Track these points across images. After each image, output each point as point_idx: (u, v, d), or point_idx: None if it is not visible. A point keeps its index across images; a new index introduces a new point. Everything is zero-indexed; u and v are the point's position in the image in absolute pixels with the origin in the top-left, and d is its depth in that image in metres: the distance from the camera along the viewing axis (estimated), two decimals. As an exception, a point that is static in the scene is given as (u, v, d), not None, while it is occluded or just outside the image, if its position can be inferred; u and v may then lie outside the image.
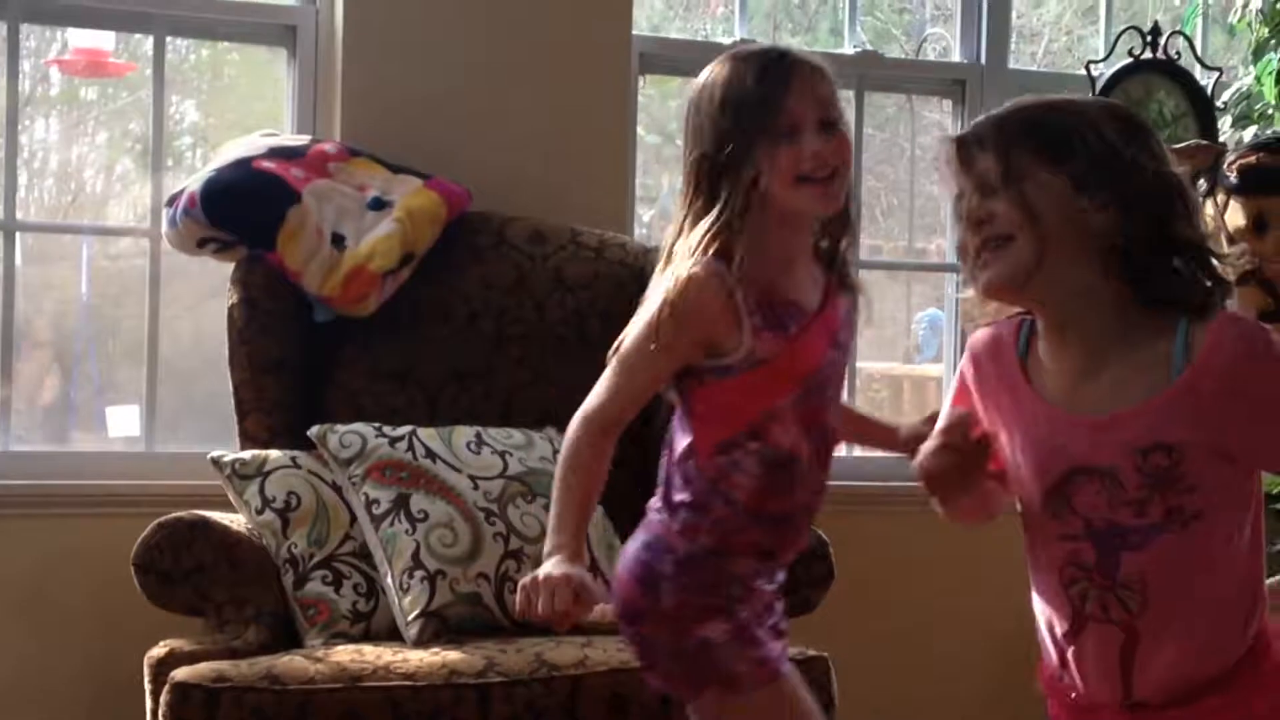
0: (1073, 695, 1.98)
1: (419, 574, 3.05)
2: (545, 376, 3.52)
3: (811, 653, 2.98)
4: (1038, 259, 1.86)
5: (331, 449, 3.17)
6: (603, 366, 2.70)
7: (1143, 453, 1.84)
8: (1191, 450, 1.84)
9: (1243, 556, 1.90)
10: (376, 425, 3.24)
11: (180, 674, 2.74)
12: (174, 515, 3.04)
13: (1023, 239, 1.87)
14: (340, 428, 3.21)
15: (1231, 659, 1.88)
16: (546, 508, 2.95)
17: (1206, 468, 1.85)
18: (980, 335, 2.07)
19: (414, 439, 3.22)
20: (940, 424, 2.05)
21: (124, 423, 3.78)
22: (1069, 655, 1.94)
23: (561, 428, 3.21)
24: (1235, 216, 3.57)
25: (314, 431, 3.21)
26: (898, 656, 3.98)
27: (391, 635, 3.06)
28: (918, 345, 4.65)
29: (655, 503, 2.24)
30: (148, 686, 2.97)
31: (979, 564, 4.12)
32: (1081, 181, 1.85)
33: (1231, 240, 3.59)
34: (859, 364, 4.27)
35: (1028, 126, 1.93)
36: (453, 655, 2.89)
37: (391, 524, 3.08)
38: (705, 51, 4.16)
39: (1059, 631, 1.95)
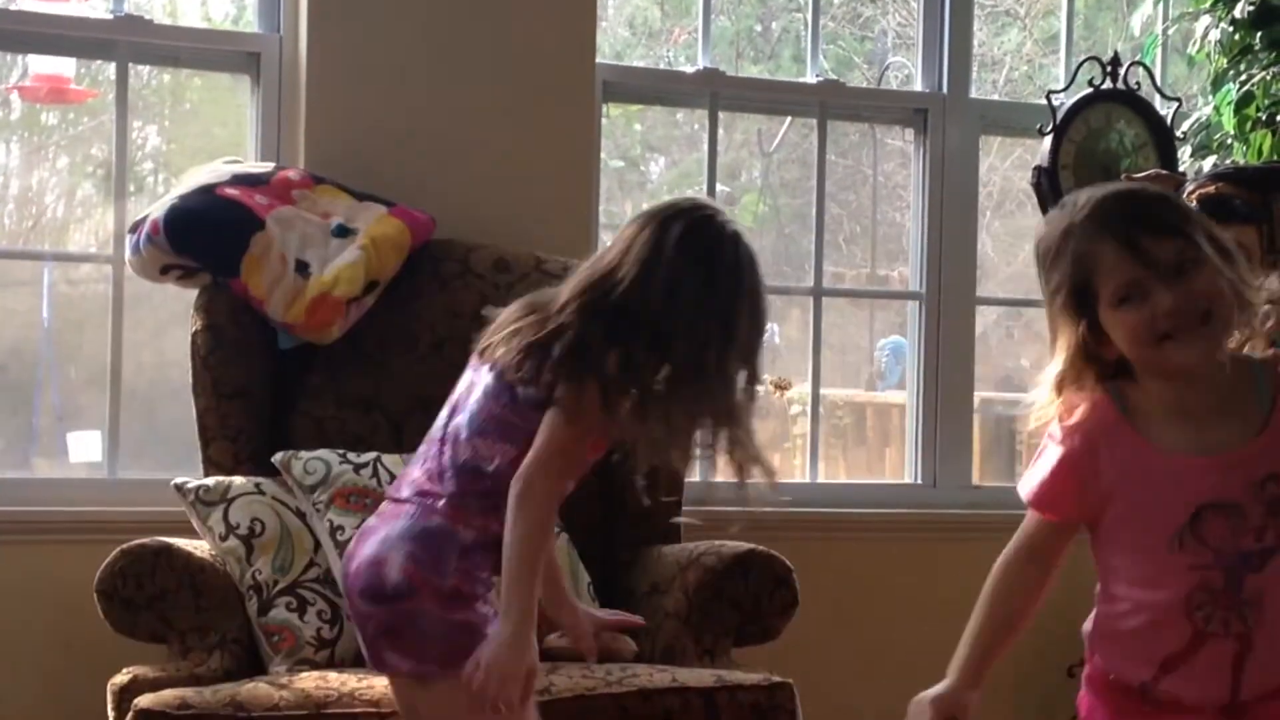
0: (1161, 701, 2.08)
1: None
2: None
3: (776, 679, 2.98)
4: (1227, 333, 2.02)
5: (296, 475, 3.17)
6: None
7: (1260, 484, 2.00)
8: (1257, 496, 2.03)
9: None
10: (340, 452, 3.23)
11: (144, 701, 2.73)
12: (137, 542, 3.01)
13: (1218, 316, 1.98)
14: (304, 454, 3.20)
15: None
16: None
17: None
18: (1082, 414, 2.12)
19: (378, 465, 3.22)
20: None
21: (86, 449, 3.76)
22: (1180, 670, 2.04)
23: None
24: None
25: (278, 458, 3.21)
26: (863, 681, 3.94)
27: (356, 662, 2.97)
28: (881, 372, 4.65)
29: (433, 487, 2.46)
30: (111, 714, 2.94)
31: (941, 589, 4.16)
32: (1224, 253, 2.01)
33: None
34: (822, 390, 4.25)
35: (1187, 210, 2.12)
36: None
37: None
38: (668, 79, 4.23)
39: (1170, 650, 2.04)
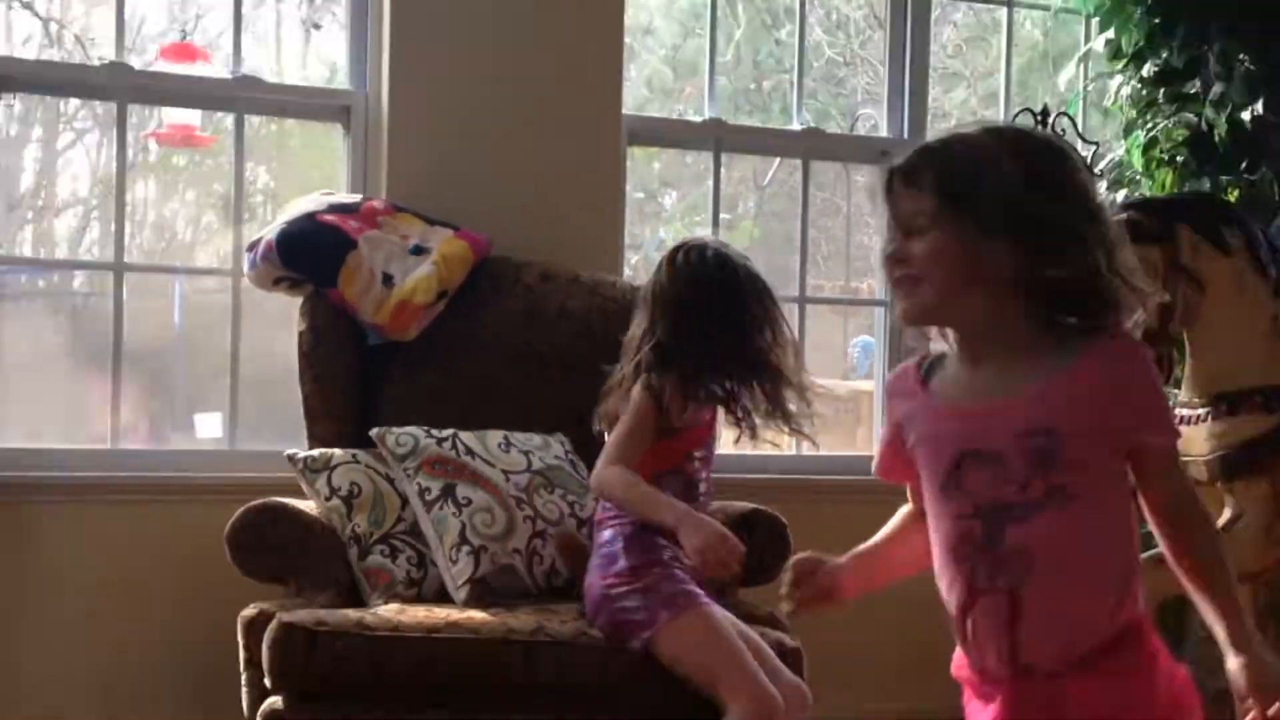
0: (977, 670, 1.86)
1: (465, 549, 3.11)
2: (553, 389, 3.56)
3: (790, 642, 3.08)
4: (939, 299, 1.80)
5: (389, 446, 3.22)
6: (597, 381, 3.14)
7: (1025, 435, 1.77)
8: (1070, 437, 1.77)
9: (1118, 538, 1.82)
10: (425, 428, 3.27)
11: (286, 615, 2.81)
12: (259, 502, 3.10)
13: (928, 282, 1.79)
14: (396, 429, 3.25)
15: (1108, 635, 1.79)
16: (563, 497, 3.25)
17: (1083, 453, 1.77)
18: (892, 376, 2.03)
19: (456, 439, 3.27)
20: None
21: (210, 427, 3.75)
22: (967, 629, 1.83)
23: (568, 431, 3.45)
24: None
25: (375, 433, 3.25)
26: (848, 622, 4.04)
27: (439, 598, 3.10)
28: (853, 366, 4.68)
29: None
30: (240, 640, 3.01)
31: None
32: (985, 225, 1.75)
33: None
34: None
35: (941, 171, 1.80)
36: (509, 618, 2.94)
37: (441, 508, 3.14)
38: (679, 127, 4.26)
39: (956, 607, 1.84)
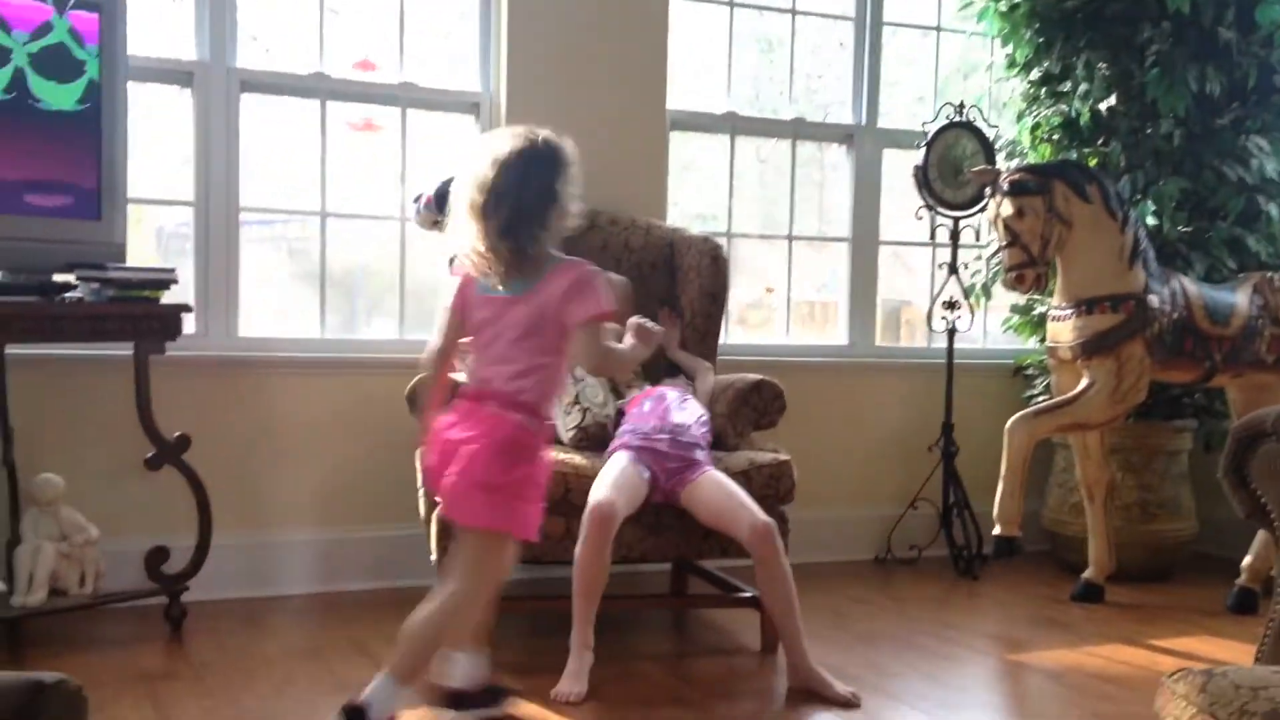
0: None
1: (576, 407, 3.13)
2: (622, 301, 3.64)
3: (782, 456, 3.09)
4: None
5: None
6: (651, 295, 3.13)
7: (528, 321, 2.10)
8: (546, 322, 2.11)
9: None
10: None
11: None
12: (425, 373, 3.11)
13: None
14: None
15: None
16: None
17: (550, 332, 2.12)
18: (461, 275, 2.22)
19: None
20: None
21: (387, 324, 3.76)
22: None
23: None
24: (1005, 208, 3.50)
25: None
26: (817, 450, 3.99)
27: (552, 440, 3.10)
28: (824, 284, 4.61)
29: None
30: (418, 464, 2.95)
31: (857, 405, 4.42)
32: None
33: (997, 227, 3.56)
34: (791, 294, 4.30)
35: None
36: (600, 462, 2.90)
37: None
38: (706, 118, 4.14)
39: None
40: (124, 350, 3.07)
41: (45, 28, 2.86)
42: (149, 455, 3.10)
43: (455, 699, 2.42)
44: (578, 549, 2.72)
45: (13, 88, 2.81)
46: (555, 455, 2.89)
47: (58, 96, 2.88)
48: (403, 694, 2.17)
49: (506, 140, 2.17)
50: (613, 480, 2.79)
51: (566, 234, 2.25)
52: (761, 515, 2.81)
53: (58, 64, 2.88)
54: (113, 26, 2.96)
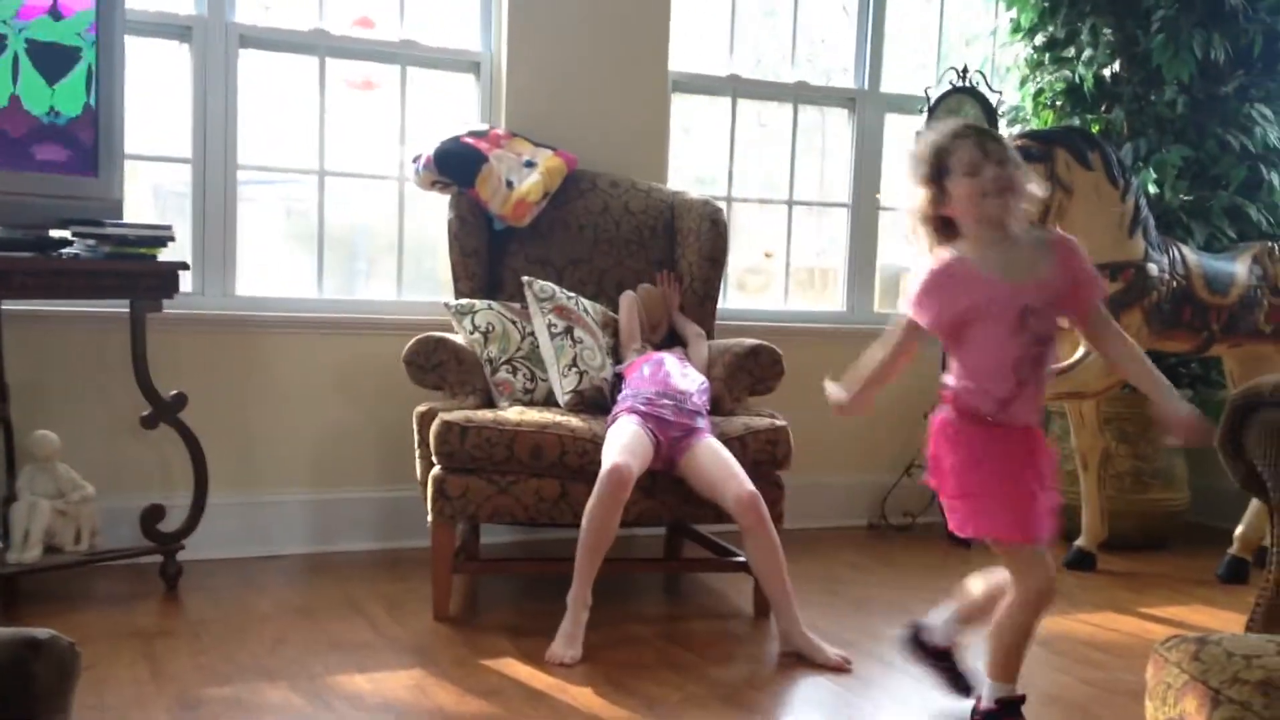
0: (995, 419, 2.00)
1: (574, 370, 3.12)
2: (620, 264, 3.55)
3: (779, 421, 3.10)
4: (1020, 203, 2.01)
5: (535, 291, 3.21)
6: (650, 258, 3.10)
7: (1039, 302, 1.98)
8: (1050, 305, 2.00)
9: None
10: (556, 285, 3.27)
11: (445, 415, 2.87)
12: (425, 334, 3.09)
13: (1015, 192, 2.00)
14: (539, 281, 3.24)
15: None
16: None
17: (1053, 314, 2.01)
18: (938, 259, 2.04)
19: (578, 299, 3.27)
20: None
21: (386, 285, 3.73)
22: (1011, 404, 1.99)
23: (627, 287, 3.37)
24: None
25: (526, 279, 3.24)
26: (815, 415, 3.98)
27: (546, 403, 3.10)
28: (824, 249, 4.70)
29: None
30: (415, 426, 3.07)
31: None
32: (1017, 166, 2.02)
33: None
34: (792, 259, 4.29)
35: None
36: (592, 423, 2.93)
37: (561, 340, 3.14)
38: (709, 79, 4.10)
39: (1002, 394, 1.98)
40: (121, 308, 3.06)
41: (39, -20, 2.82)
42: (145, 413, 3.09)
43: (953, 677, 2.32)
44: (590, 505, 2.72)
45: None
46: (551, 418, 2.94)
47: (52, 50, 2.85)
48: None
49: None
50: (626, 444, 2.79)
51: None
52: (748, 485, 2.81)
53: (53, 18, 2.83)
54: (108, -21, 2.91)
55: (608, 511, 2.70)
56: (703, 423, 2.96)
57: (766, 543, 2.77)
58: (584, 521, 2.72)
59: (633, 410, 2.91)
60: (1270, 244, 3.78)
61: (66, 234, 2.92)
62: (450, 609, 2.94)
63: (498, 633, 2.83)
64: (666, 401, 2.92)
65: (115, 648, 2.62)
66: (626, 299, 3.34)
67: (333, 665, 2.57)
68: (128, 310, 3.02)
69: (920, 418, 4.20)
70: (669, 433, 2.88)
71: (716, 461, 2.86)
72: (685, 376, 3.06)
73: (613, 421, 2.92)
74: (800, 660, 2.72)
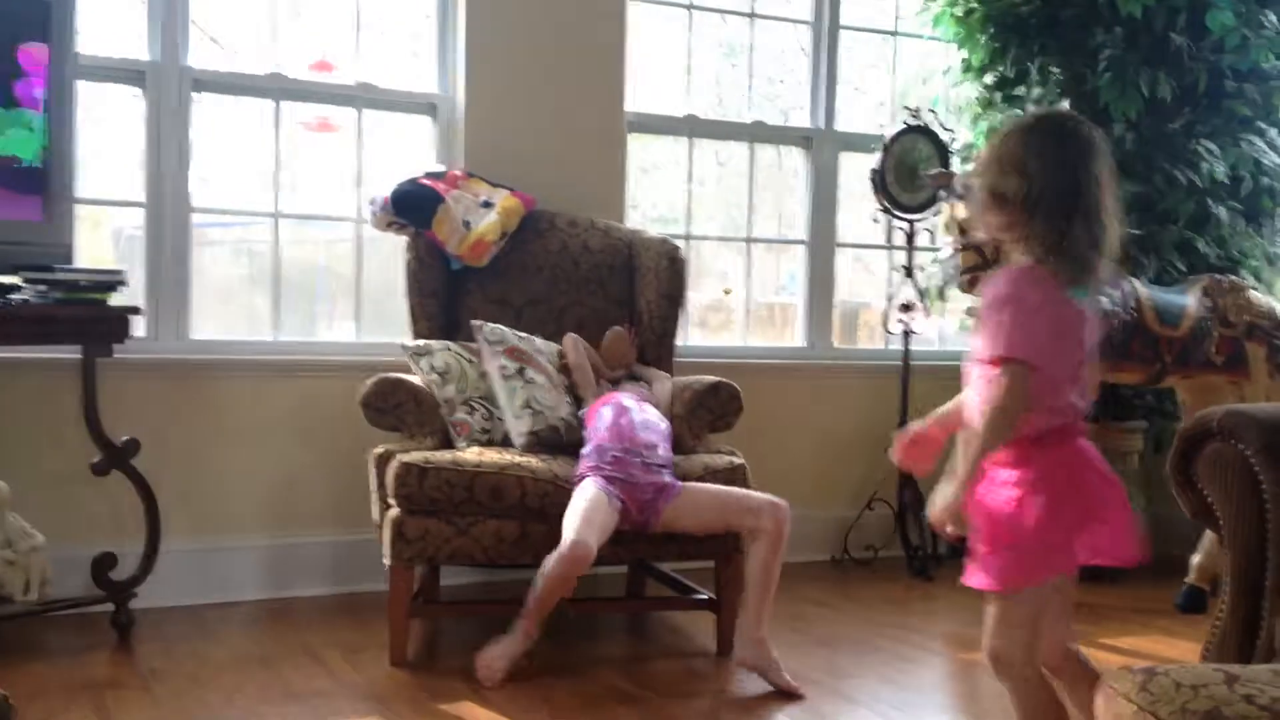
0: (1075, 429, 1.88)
1: (528, 411, 3.09)
2: (579, 302, 3.56)
3: (737, 460, 3.11)
4: None
5: (485, 334, 3.20)
6: (609, 296, 3.11)
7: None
8: None
9: None
10: (508, 327, 3.25)
11: (404, 457, 2.84)
12: (382, 375, 3.05)
13: None
14: (489, 325, 3.23)
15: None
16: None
17: None
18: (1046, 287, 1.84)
19: (531, 340, 3.26)
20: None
21: (344, 327, 3.73)
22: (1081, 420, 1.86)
23: (585, 335, 3.36)
24: (960, 210, 3.46)
25: (476, 323, 3.22)
26: (776, 450, 3.93)
27: (505, 443, 3.07)
28: (783, 286, 4.72)
29: None
30: (371, 469, 3.05)
31: (815, 406, 4.41)
32: None
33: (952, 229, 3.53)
34: (752, 294, 4.29)
35: None
36: (551, 463, 2.92)
37: (513, 381, 3.13)
38: (665, 120, 4.13)
39: (1081, 408, 1.86)
40: (72, 353, 3.02)
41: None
42: (96, 460, 3.04)
43: None
44: (549, 568, 2.71)
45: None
46: (509, 458, 2.92)
47: (2, 95, 2.82)
48: None
49: None
50: (586, 515, 2.75)
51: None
52: (770, 496, 2.91)
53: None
54: (62, 24, 2.89)
55: (562, 582, 2.71)
56: (669, 475, 2.94)
57: (777, 549, 2.83)
58: (540, 577, 2.73)
59: (597, 471, 2.86)
60: (1219, 277, 3.83)
61: (16, 279, 2.88)
62: (409, 653, 2.90)
63: (455, 677, 2.79)
64: (634, 459, 2.88)
65: (67, 701, 2.56)
66: (569, 340, 3.31)
67: (290, 716, 2.52)
68: (79, 356, 2.98)
69: (881, 451, 4.22)
70: (639, 496, 2.85)
71: (715, 497, 2.91)
72: (647, 426, 3.01)
73: (578, 481, 2.88)
74: (761, 695, 2.71)
